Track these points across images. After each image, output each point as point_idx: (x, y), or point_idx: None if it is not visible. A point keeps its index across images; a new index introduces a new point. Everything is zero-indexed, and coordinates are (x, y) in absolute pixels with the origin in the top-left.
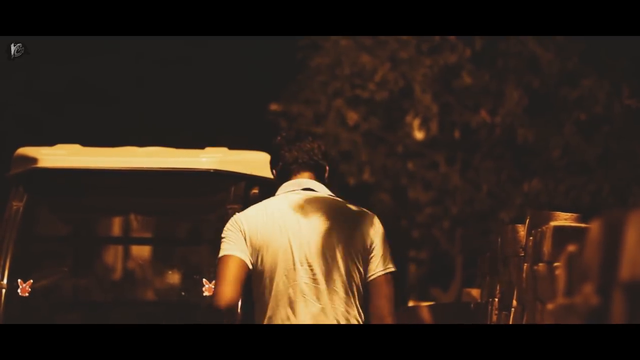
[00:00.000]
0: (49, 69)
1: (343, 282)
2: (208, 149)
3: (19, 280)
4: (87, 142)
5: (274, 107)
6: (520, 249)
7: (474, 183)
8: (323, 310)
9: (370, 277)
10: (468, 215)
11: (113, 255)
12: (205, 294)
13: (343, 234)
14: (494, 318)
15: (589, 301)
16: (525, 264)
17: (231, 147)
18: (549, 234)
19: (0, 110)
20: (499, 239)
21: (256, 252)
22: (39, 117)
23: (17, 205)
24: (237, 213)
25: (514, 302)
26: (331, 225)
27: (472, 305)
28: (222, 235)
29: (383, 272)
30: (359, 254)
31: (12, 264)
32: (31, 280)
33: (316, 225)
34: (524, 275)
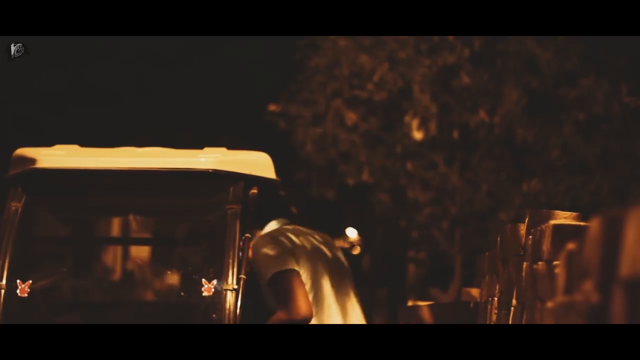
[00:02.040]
0: (49, 70)
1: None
2: (207, 149)
3: (18, 281)
4: (86, 142)
5: (272, 107)
6: (520, 248)
7: (473, 183)
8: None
9: None
10: (467, 215)
11: (112, 256)
12: (205, 294)
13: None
14: (494, 317)
15: (588, 299)
16: (525, 263)
17: (230, 147)
18: (548, 233)
19: None
20: (499, 238)
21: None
22: (38, 118)
23: (16, 206)
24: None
25: (514, 301)
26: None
27: (471, 305)
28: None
29: None
30: None
31: (10, 265)
32: (30, 281)
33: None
34: (524, 274)
